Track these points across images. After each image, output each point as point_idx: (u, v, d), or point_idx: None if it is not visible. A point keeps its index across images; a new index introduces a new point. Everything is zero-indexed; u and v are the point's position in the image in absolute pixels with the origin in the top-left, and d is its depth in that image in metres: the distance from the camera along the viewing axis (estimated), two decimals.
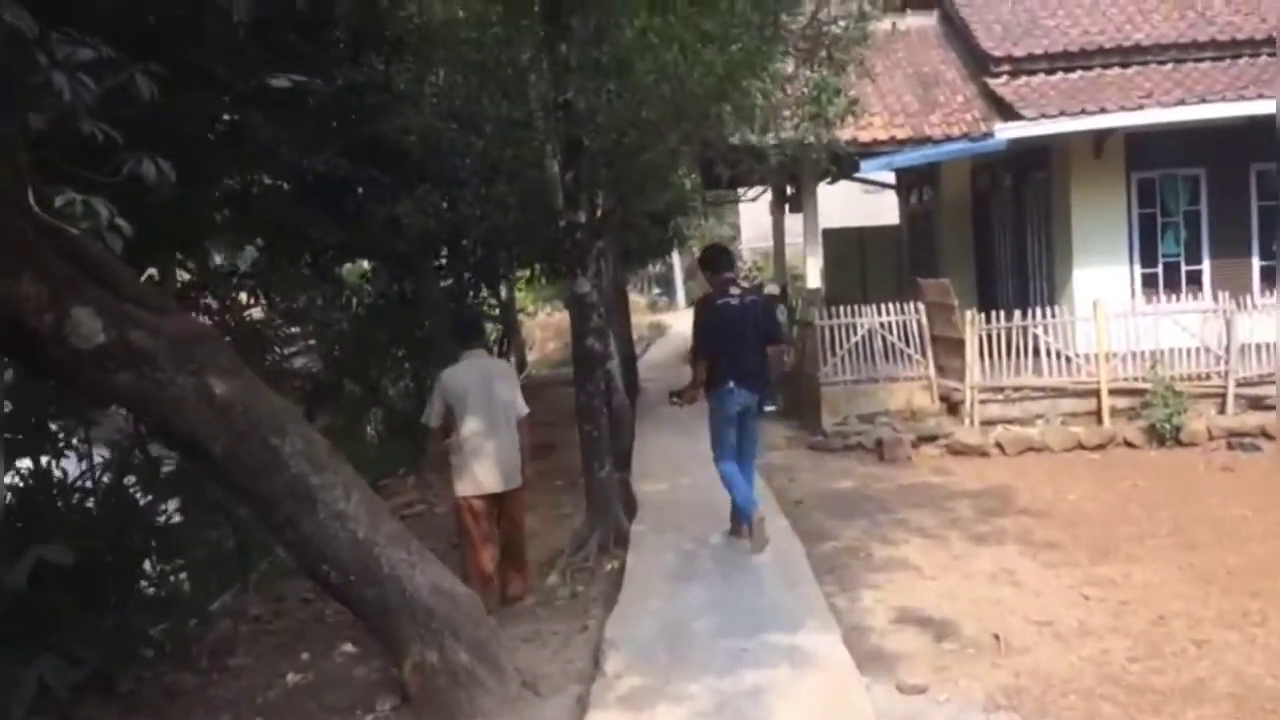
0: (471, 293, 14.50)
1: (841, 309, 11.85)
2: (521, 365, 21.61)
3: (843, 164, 9.68)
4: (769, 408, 7.15)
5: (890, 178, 17.35)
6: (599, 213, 7.50)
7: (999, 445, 10.41)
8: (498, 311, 16.10)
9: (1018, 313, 11.22)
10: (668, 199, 13.55)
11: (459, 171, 11.12)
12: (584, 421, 7.31)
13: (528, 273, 16.12)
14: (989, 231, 14.64)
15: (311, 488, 4.75)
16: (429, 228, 10.63)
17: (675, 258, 33.30)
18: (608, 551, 7.16)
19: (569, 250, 7.32)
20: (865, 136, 11.12)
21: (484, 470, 6.02)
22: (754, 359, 6.76)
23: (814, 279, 12.59)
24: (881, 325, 11.77)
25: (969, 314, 11.08)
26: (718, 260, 7.11)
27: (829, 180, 14.58)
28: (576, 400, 7.37)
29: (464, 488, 6.05)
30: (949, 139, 11.36)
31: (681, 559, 6.64)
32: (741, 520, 6.84)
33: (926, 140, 11.37)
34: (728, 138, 7.41)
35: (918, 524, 7.83)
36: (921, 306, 11.77)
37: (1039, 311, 11.33)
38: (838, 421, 11.46)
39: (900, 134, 11.34)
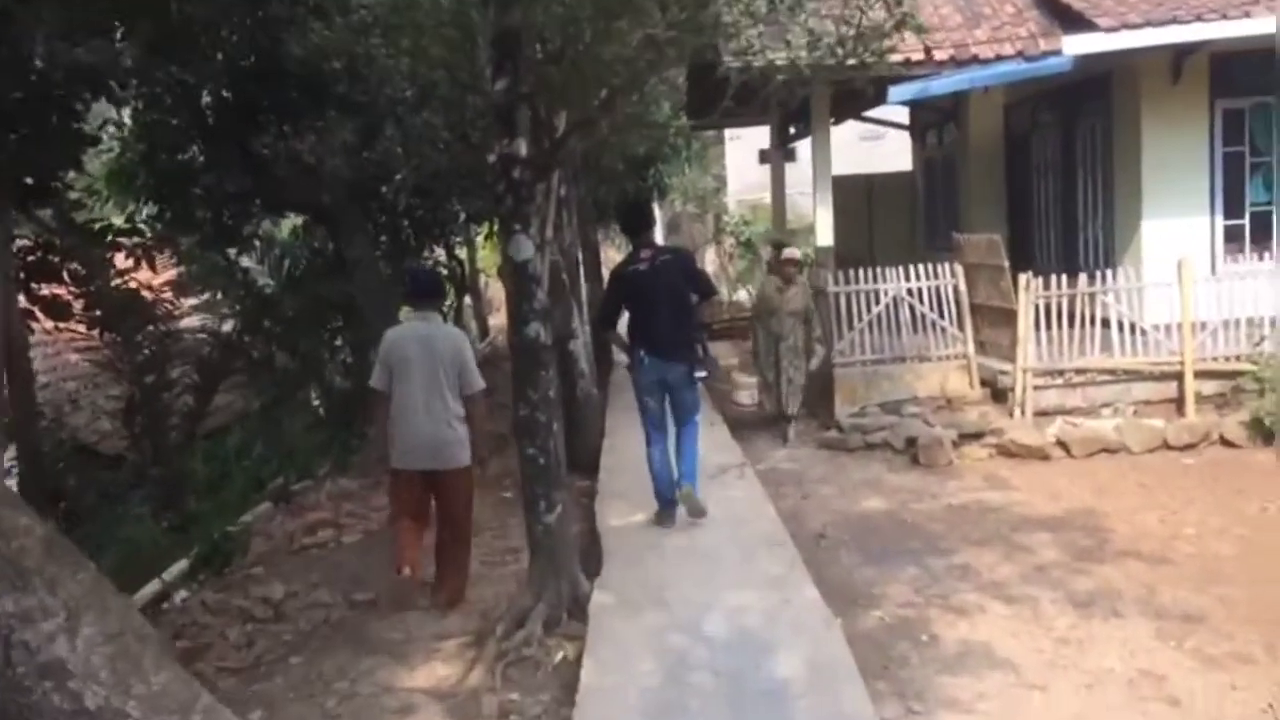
0: (415, 252, 12.21)
1: (860, 272, 9.65)
2: (484, 332, 19.40)
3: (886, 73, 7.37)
4: (699, 374, 6.44)
5: (903, 116, 15.03)
6: (548, 142, 5.26)
7: (1063, 445, 8.26)
8: (447, 272, 13.79)
9: (1082, 276, 9.07)
10: (650, 136, 11.29)
11: (384, 100, 8.80)
12: (525, 441, 5.09)
13: (486, 228, 13.82)
14: (1026, 177, 12.39)
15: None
16: (337, 169, 8.32)
17: (656, 211, 30.74)
18: (558, 627, 5.00)
19: (503, 195, 5.09)
20: (894, 57, 8.76)
21: (412, 442, 5.50)
22: (669, 325, 6.30)
23: (825, 235, 10.26)
24: (909, 292, 9.59)
25: (1023, 278, 8.88)
26: (632, 222, 6.76)
27: (833, 120, 12.30)
28: (514, 412, 5.16)
29: (393, 458, 5.61)
30: (999, 59, 9.04)
31: (664, 662, 4.31)
32: (661, 506, 6.46)
33: (972, 60, 9.01)
34: (726, 29, 5.11)
35: (989, 574, 5.70)
36: (959, 268, 9.57)
37: (1098, 274, 9.16)
38: (855, 412, 9.31)
39: (938, 54, 9.01)
